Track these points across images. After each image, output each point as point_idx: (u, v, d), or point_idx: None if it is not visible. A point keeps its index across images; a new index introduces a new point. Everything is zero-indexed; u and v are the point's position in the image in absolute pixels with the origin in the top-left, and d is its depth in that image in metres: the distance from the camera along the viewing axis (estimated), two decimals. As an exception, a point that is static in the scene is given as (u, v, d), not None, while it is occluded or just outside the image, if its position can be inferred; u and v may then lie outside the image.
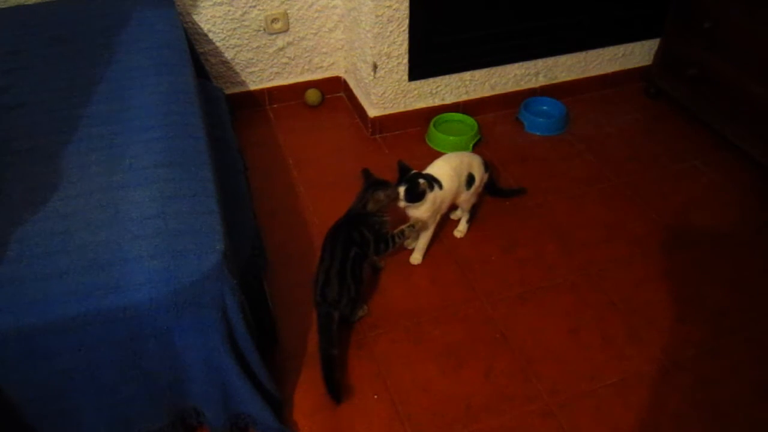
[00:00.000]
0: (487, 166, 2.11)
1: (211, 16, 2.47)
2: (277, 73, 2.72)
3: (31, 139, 1.59)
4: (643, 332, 1.82)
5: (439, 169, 1.96)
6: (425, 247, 2.04)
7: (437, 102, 2.64)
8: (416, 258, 2.04)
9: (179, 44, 2.03)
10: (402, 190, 1.83)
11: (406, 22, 2.35)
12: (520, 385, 1.68)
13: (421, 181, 1.85)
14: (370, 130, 2.60)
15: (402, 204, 1.87)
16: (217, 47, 2.55)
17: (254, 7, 2.50)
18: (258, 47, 2.61)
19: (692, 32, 2.53)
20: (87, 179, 1.45)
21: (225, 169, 1.77)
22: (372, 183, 1.83)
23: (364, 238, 1.79)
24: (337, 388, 1.64)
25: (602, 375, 1.71)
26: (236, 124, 2.50)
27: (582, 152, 2.54)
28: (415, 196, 1.85)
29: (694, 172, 2.43)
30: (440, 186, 1.91)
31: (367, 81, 2.52)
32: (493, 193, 2.25)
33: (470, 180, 2.02)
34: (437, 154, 2.02)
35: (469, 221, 2.15)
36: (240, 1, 2.47)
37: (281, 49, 2.65)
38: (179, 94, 1.75)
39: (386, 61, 2.42)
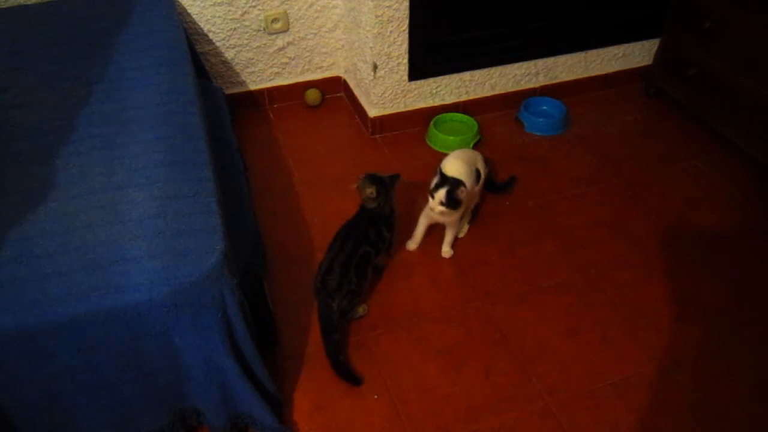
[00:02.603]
0: (487, 162, 2.11)
1: (211, 16, 2.47)
2: (277, 73, 2.72)
3: (31, 139, 1.59)
4: (643, 332, 1.82)
5: (455, 168, 1.93)
6: (453, 239, 2.05)
7: (437, 102, 2.64)
8: (447, 251, 2.05)
9: (179, 44, 2.03)
10: (443, 196, 1.82)
11: (406, 22, 2.35)
12: (520, 385, 1.68)
13: (461, 189, 1.83)
14: (370, 130, 2.60)
15: (440, 209, 1.85)
16: (217, 47, 2.55)
17: (254, 7, 2.50)
18: (258, 47, 2.61)
19: (692, 32, 2.53)
20: (87, 179, 1.45)
21: (225, 169, 1.77)
22: (378, 179, 1.83)
23: (381, 238, 1.81)
24: (349, 372, 1.66)
25: (602, 375, 1.71)
26: (236, 124, 2.50)
27: (582, 152, 2.54)
28: (454, 202, 1.84)
29: (694, 172, 2.43)
30: (464, 185, 1.87)
31: (367, 81, 2.52)
32: (492, 189, 2.26)
33: (476, 176, 2.02)
34: (437, 154, 2.02)
35: (470, 221, 2.15)
36: (240, 1, 2.47)
37: (281, 49, 2.65)
38: (179, 94, 1.75)
39: (386, 61, 2.42)
